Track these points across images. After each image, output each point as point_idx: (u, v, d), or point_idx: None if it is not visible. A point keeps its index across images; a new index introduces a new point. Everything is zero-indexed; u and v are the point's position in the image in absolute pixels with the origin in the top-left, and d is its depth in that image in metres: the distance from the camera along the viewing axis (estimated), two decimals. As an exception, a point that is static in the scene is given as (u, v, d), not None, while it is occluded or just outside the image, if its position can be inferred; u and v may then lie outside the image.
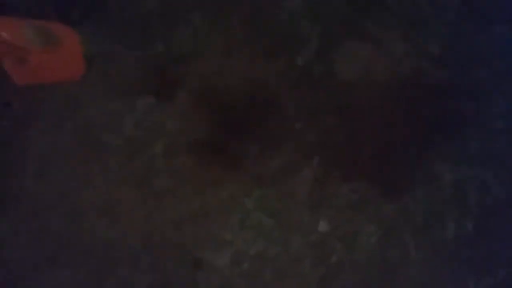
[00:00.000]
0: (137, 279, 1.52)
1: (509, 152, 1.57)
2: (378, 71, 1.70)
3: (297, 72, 1.78)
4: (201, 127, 1.69)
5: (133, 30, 1.83)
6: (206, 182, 1.61)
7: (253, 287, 1.49)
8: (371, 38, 1.75)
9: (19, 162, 1.60)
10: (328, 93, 1.71)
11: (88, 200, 1.57)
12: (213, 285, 1.51)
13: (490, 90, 1.64)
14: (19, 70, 1.53)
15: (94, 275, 1.52)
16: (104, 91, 1.70)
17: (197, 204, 1.58)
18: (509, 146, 1.58)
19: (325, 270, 1.49)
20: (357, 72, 1.72)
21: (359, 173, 1.58)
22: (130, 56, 1.78)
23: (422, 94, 1.66)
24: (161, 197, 1.59)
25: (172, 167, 1.62)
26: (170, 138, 1.66)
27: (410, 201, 1.55)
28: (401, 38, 1.73)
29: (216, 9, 1.91)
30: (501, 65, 1.69)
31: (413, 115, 1.64)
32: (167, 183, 1.61)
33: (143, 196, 1.59)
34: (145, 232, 1.57)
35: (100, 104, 1.69)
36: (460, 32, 1.74)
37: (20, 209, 1.56)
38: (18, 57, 1.51)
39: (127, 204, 1.58)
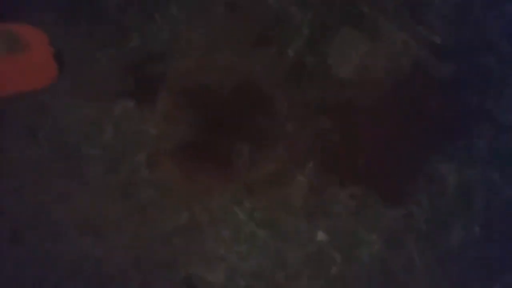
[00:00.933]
0: (126, 299, 1.44)
1: (518, 150, 1.48)
2: (376, 65, 1.58)
3: (287, 65, 1.65)
4: (185, 130, 1.57)
5: (106, 25, 1.68)
6: (194, 193, 1.50)
7: (249, 304, 1.41)
8: (367, 27, 1.61)
9: (-11, 178, 1.48)
10: (322, 90, 1.59)
11: (69, 217, 1.46)
12: (207, 303, 1.43)
13: (499, 81, 1.52)
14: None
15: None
16: (78, 96, 1.56)
17: (186, 217, 1.48)
18: (518, 144, 1.48)
19: (324, 284, 1.41)
20: (353, 67, 1.59)
21: (357, 178, 1.48)
22: (103, 54, 1.63)
23: (424, 89, 1.54)
24: (147, 211, 1.49)
25: (157, 177, 1.51)
26: (153, 145, 1.54)
27: (413, 206, 1.46)
28: (401, 27, 1.59)
29: (197, -3, 1.75)
30: (510, 50, 1.56)
31: (415, 113, 1.52)
32: (152, 195, 1.50)
33: (128, 210, 1.49)
34: (133, 249, 1.47)
35: (74, 111, 1.55)
36: (465, 14, 1.61)
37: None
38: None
39: (112, 220, 1.47)
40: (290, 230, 1.46)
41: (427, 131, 1.52)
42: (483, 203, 1.45)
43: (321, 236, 1.45)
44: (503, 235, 1.43)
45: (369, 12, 1.66)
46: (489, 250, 1.42)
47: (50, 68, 1.56)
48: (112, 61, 1.64)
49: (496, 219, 1.44)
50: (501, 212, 1.44)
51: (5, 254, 1.43)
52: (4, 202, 1.47)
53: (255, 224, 1.46)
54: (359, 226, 1.45)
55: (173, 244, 1.45)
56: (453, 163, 1.48)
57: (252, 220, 1.47)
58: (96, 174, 1.50)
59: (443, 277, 1.41)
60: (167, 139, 1.56)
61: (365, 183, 1.48)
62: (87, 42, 1.64)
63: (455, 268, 1.41)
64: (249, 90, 1.64)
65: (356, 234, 1.44)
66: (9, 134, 1.51)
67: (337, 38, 1.65)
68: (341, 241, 1.44)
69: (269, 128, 1.57)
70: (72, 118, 1.55)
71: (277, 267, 1.43)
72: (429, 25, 1.61)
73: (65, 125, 1.54)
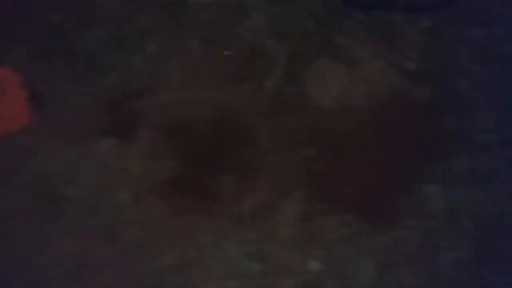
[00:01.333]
0: None
1: (501, 167, 1.51)
2: (354, 93, 1.61)
3: (267, 97, 1.66)
4: (168, 166, 1.54)
5: (82, 63, 1.66)
6: (181, 229, 1.46)
7: None
8: (343, 56, 1.65)
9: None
10: (303, 119, 1.60)
11: (56, 262, 1.39)
12: None
13: (474, 102, 1.57)
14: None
15: None
16: (56, 137, 1.52)
17: (174, 255, 1.43)
18: (500, 160, 1.52)
19: (321, 315, 1.38)
20: (332, 95, 1.61)
21: (345, 204, 1.48)
22: (80, 93, 1.60)
23: (403, 114, 1.58)
24: (135, 251, 1.43)
25: (141, 216, 1.46)
26: (136, 183, 1.50)
27: (402, 230, 1.46)
28: (375, 55, 1.63)
29: (172, 33, 1.76)
30: (482, 72, 1.62)
31: (396, 138, 1.55)
32: (138, 234, 1.45)
33: (114, 251, 1.43)
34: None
35: (53, 152, 1.51)
36: (436, 40, 1.67)
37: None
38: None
39: (98, 262, 1.41)
40: (282, 262, 1.43)
41: (409, 154, 1.54)
42: (470, 222, 1.47)
43: (314, 265, 1.43)
44: (493, 254, 1.44)
45: (343, 41, 1.71)
46: (479, 269, 1.42)
47: (23, 111, 1.52)
48: (90, 100, 1.61)
49: (484, 238, 1.45)
50: (489, 231, 1.46)
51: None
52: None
53: (246, 258, 1.43)
54: (351, 253, 1.43)
55: (164, 285, 1.40)
56: (438, 184, 1.50)
57: (243, 254, 1.43)
58: (80, 216, 1.45)
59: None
60: (150, 176, 1.53)
61: (353, 209, 1.48)
62: (63, 81, 1.61)
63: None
64: (230, 123, 1.63)
65: (349, 261, 1.43)
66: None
67: (315, 68, 1.68)
68: (335, 269, 1.42)
69: (253, 159, 1.56)
70: (52, 160, 1.50)
71: (271, 301, 1.39)
72: (402, 52, 1.66)
73: (45, 168, 1.49)
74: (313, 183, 1.51)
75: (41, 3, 1.73)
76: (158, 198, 1.49)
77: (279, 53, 1.72)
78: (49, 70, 1.61)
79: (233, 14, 1.75)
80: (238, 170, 1.55)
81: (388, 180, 1.52)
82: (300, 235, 1.46)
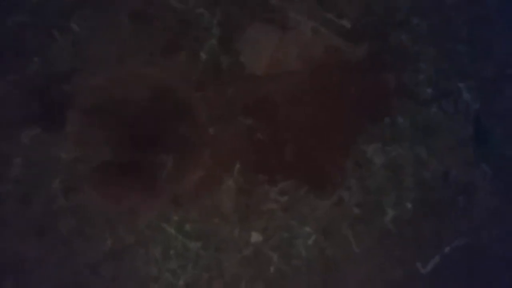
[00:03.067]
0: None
1: (441, 121, 1.47)
2: (289, 57, 1.54)
3: (201, 69, 1.59)
4: (102, 150, 1.49)
5: (2, 50, 1.58)
6: (118, 215, 1.42)
7: (190, 319, 1.34)
8: (275, 20, 1.58)
9: None
10: (240, 89, 1.54)
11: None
12: (147, 327, 1.35)
13: (413, 55, 1.52)
14: None
15: None
16: (-22, 131, 1.45)
17: (112, 241, 1.39)
18: (440, 115, 1.48)
19: (263, 285, 1.36)
20: (266, 62, 1.55)
21: (285, 173, 1.44)
22: (3, 81, 1.53)
23: (341, 74, 1.52)
24: (71, 241, 1.40)
25: (76, 204, 1.42)
26: (68, 171, 1.45)
27: (344, 192, 1.43)
28: (309, 16, 1.56)
29: (98, 9, 1.67)
30: (422, 24, 1.56)
31: (334, 100, 1.50)
32: (73, 224, 1.40)
33: (50, 243, 1.39)
34: (60, 284, 1.37)
35: (-24, 147, 1.44)
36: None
37: None
38: None
39: (34, 256, 1.37)
40: (223, 237, 1.41)
41: (349, 115, 1.49)
42: (412, 178, 1.44)
43: (255, 237, 1.40)
44: (435, 208, 1.42)
45: (278, 4, 1.63)
46: (423, 224, 1.41)
47: None
48: (13, 87, 1.54)
49: (427, 193, 1.43)
50: (431, 186, 1.43)
51: None
52: None
53: (185, 237, 1.40)
54: (292, 221, 1.41)
55: (102, 272, 1.37)
56: (379, 143, 1.46)
57: (182, 234, 1.40)
58: (11, 210, 1.40)
59: (383, 258, 1.38)
60: (82, 162, 1.48)
61: (294, 177, 1.44)
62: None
63: (393, 247, 1.39)
64: (165, 98, 1.57)
65: (290, 230, 1.40)
66: None
67: (248, 34, 1.61)
68: (276, 239, 1.39)
69: (191, 135, 1.51)
70: (-25, 155, 1.44)
71: (213, 277, 1.37)
72: (337, 11, 1.59)
73: (-32, 164, 1.43)
74: (253, 154, 1.47)
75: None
76: (92, 185, 1.44)
77: (212, 21, 1.64)
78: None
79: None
80: (176, 148, 1.50)
81: (328, 143, 1.48)
82: (240, 208, 1.42)
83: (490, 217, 1.40)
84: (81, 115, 1.53)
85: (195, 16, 1.66)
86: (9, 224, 1.38)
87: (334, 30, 1.57)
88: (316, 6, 1.60)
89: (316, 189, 1.44)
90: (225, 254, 1.38)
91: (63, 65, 1.58)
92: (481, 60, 1.52)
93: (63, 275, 1.35)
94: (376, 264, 1.38)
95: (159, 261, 1.38)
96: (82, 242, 1.38)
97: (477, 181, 1.43)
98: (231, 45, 1.61)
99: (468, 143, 1.47)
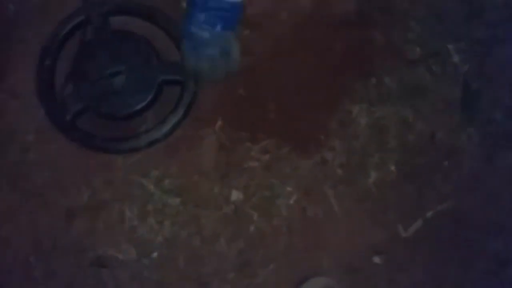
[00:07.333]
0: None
1: (428, 83, 1.43)
2: (274, 8, 1.48)
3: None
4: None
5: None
6: (93, 167, 1.38)
7: (166, 275, 1.32)
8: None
9: None
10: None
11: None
12: (123, 282, 1.32)
13: (402, 13, 1.47)
14: None
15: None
16: None
17: (87, 195, 1.36)
18: (428, 75, 1.44)
19: (243, 244, 1.34)
20: (252, 13, 1.48)
21: (267, 131, 1.40)
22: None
23: (326, 31, 1.47)
24: (44, 194, 1.35)
25: (48, 155, 1.37)
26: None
27: (327, 152, 1.40)
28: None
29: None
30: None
31: (319, 57, 1.45)
32: (46, 176, 1.36)
33: (21, 196, 1.35)
34: (32, 237, 1.34)
35: None
36: None
37: None
38: None
39: (3, 210, 1.33)
40: (203, 194, 1.37)
41: (335, 73, 1.45)
42: (397, 140, 1.41)
43: (235, 195, 1.37)
44: (419, 170, 1.40)
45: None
46: (406, 187, 1.39)
47: None
48: None
49: (411, 155, 1.40)
50: (415, 148, 1.41)
51: None
52: None
53: (164, 193, 1.36)
54: (274, 180, 1.38)
55: (77, 226, 1.33)
56: (364, 103, 1.43)
57: (160, 189, 1.37)
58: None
59: (364, 219, 1.37)
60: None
61: (276, 135, 1.41)
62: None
63: (375, 209, 1.37)
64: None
65: (271, 188, 1.38)
66: None
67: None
68: (257, 198, 1.37)
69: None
70: None
71: (192, 234, 1.34)
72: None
73: None
74: (234, 110, 1.43)
75: None
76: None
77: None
78: None
79: None
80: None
81: (312, 102, 1.44)
82: (221, 165, 1.39)
83: (474, 182, 1.39)
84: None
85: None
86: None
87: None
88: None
89: (299, 148, 1.40)
90: (204, 212, 1.36)
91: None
92: (472, 21, 1.47)
93: (35, 226, 1.32)
94: (356, 227, 1.37)
95: (136, 217, 1.34)
96: (55, 195, 1.35)
97: (463, 145, 1.41)
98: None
99: (455, 106, 1.44)
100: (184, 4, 1.47)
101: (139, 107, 1.36)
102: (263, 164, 1.39)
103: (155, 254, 1.33)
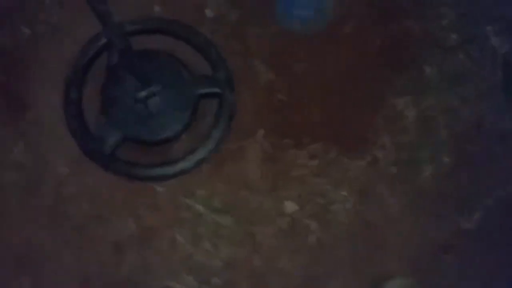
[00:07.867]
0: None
1: (468, 67, 1.39)
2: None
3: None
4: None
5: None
6: (134, 193, 1.29)
7: (230, 301, 1.24)
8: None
9: None
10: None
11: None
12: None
13: (434, 2, 1.42)
14: None
15: None
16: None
17: (133, 224, 1.27)
18: (467, 60, 1.40)
19: (305, 257, 1.27)
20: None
21: (312, 135, 1.34)
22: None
23: (363, 26, 1.41)
24: (86, 227, 1.27)
25: (86, 186, 1.28)
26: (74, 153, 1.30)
27: (377, 150, 1.34)
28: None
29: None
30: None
31: (358, 53, 1.39)
32: (86, 209, 1.27)
33: (64, 231, 1.26)
34: (81, 275, 1.25)
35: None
36: None
37: None
38: None
39: (49, 248, 1.24)
40: (254, 209, 1.30)
41: (375, 69, 1.39)
42: (446, 130, 1.36)
43: (289, 207, 1.30)
44: (472, 159, 1.35)
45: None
46: (462, 177, 1.33)
47: None
48: None
49: (462, 143, 1.35)
50: (466, 136, 1.36)
51: None
52: None
53: (213, 212, 1.28)
54: (326, 186, 1.31)
55: (126, 259, 1.24)
56: (408, 96, 1.37)
57: (210, 209, 1.29)
58: (17, 200, 1.25)
59: (424, 216, 1.31)
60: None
61: (322, 138, 1.34)
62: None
63: (434, 203, 1.32)
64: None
65: (325, 195, 1.31)
66: None
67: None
68: (311, 207, 1.30)
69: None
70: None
71: (250, 253, 1.26)
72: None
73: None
74: (277, 117, 1.36)
75: None
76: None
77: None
78: None
79: None
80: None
81: (355, 100, 1.38)
82: (269, 176, 1.32)
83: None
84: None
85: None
86: (17, 216, 1.23)
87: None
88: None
89: (347, 149, 1.34)
90: (259, 227, 1.28)
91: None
92: (506, 1, 1.43)
93: (83, 264, 1.23)
94: (416, 224, 1.31)
95: (190, 242, 1.26)
96: (99, 228, 1.26)
97: (511, 127, 1.36)
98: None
99: (498, 89, 1.39)
100: (208, 12, 1.40)
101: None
102: (312, 170, 1.33)
103: (215, 280, 1.25)
